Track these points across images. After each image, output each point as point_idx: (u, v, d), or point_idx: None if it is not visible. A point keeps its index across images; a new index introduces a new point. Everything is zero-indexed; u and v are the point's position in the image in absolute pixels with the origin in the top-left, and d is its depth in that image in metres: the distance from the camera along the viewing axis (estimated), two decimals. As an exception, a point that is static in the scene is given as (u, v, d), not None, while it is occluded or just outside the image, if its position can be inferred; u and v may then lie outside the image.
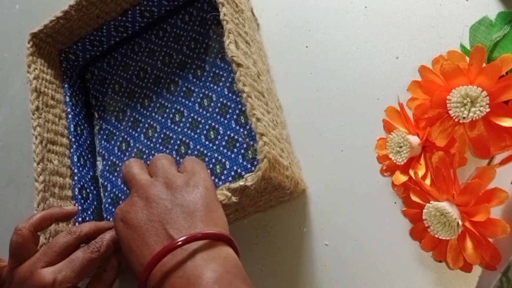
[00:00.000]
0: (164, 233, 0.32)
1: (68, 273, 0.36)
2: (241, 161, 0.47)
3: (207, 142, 0.50)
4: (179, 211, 0.33)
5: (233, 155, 0.48)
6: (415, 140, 0.40)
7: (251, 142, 0.47)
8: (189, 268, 0.30)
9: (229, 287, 0.29)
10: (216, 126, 0.50)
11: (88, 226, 0.40)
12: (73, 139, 0.54)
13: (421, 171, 0.40)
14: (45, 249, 0.38)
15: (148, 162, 0.39)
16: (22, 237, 0.39)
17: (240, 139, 0.48)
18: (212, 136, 0.50)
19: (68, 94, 0.57)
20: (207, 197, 0.34)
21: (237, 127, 0.49)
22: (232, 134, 0.49)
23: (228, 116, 0.50)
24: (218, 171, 0.48)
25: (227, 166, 0.48)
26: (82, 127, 0.57)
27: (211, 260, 0.31)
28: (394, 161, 0.41)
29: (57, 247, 0.38)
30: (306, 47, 0.52)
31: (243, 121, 0.49)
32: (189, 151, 0.51)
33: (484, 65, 0.37)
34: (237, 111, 0.49)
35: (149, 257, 0.31)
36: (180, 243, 0.31)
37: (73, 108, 0.56)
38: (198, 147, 0.50)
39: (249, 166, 0.47)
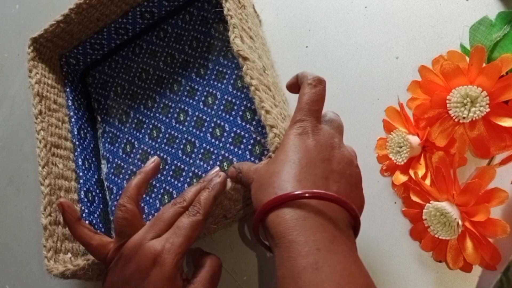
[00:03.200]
0: (321, 181, 0.32)
1: (176, 240, 0.35)
2: (248, 157, 0.47)
3: (213, 140, 0.50)
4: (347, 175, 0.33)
5: (240, 152, 0.48)
6: (415, 140, 0.40)
7: (258, 138, 0.47)
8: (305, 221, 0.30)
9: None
10: (222, 123, 0.50)
11: (192, 193, 0.39)
12: (77, 143, 0.54)
13: (421, 171, 0.40)
14: (154, 221, 0.37)
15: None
16: (129, 212, 0.37)
17: (246, 135, 0.48)
18: (218, 134, 0.50)
19: (70, 98, 0.57)
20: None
21: (243, 123, 0.49)
22: (238, 131, 0.49)
23: (233, 113, 0.50)
24: (226, 168, 0.48)
25: (235, 163, 0.48)
26: (85, 130, 0.57)
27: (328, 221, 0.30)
28: (394, 161, 0.41)
29: (166, 218, 0.37)
30: (306, 47, 0.52)
31: (249, 117, 0.49)
32: (195, 150, 0.51)
33: (484, 65, 0.37)
34: (243, 107, 0.49)
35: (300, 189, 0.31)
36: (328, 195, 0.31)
37: (76, 112, 0.56)
38: (204, 145, 0.50)
39: (257, 162, 0.46)
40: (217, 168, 0.41)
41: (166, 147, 0.53)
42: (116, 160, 0.56)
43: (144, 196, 0.52)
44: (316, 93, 0.35)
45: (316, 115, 0.35)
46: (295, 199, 0.31)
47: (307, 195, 0.30)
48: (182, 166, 0.51)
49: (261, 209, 0.31)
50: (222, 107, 0.51)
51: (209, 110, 0.51)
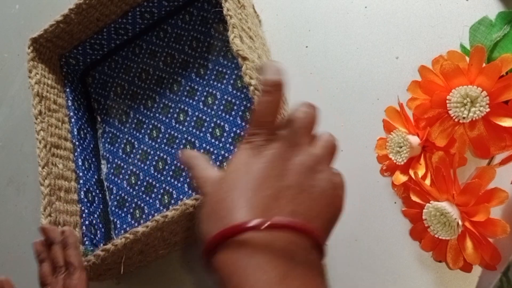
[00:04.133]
0: (280, 206, 0.28)
1: None
2: (247, 157, 0.47)
3: (213, 140, 0.50)
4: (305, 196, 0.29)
5: None
6: (415, 140, 0.40)
7: None
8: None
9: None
10: (222, 123, 0.50)
11: (61, 258, 0.42)
12: (77, 143, 0.54)
13: (421, 171, 0.40)
14: None
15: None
16: None
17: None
18: (218, 134, 0.50)
19: (70, 98, 0.57)
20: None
21: (243, 123, 0.49)
22: (238, 131, 0.49)
23: (233, 113, 0.50)
24: None
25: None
26: (85, 130, 0.57)
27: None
28: (394, 161, 0.41)
29: None
30: (306, 47, 0.52)
31: (249, 117, 0.49)
32: (195, 150, 0.51)
33: (484, 65, 0.37)
34: (242, 108, 0.49)
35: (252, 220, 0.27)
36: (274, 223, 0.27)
37: (76, 112, 0.56)
38: (204, 145, 0.50)
39: None
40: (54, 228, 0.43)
41: (166, 147, 0.53)
42: (116, 160, 0.56)
43: (144, 196, 0.52)
44: (268, 102, 0.30)
45: (269, 126, 0.31)
46: (239, 233, 0.27)
47: (254, 225, 0.26)
48: (182, 166, 0.51)
49: (205, 248, 0.28)
50: (222, 107, 0.51)
51: (209, 110, 0.51)
